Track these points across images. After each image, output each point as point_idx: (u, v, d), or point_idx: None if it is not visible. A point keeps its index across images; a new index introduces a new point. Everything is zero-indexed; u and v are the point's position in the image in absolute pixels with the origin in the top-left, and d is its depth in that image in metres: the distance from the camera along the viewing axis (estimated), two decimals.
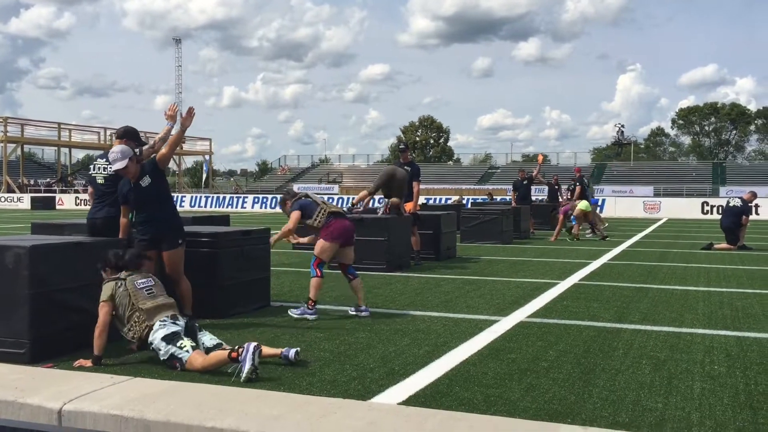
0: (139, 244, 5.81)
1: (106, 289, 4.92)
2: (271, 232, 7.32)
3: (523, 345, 5.49)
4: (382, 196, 10.89)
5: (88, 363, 4.77)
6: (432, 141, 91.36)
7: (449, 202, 29.55)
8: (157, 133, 6.46)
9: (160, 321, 4.82)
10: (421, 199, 19.08)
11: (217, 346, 4.82)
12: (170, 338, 4.71)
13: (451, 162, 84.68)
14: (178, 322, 4.86)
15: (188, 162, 75.48)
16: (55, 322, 5.00)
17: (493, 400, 4.07)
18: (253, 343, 4.48)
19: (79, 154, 68.43)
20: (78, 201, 44.85)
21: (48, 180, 58.52)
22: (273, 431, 3.42)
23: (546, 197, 23.47)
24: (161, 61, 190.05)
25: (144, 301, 4.89)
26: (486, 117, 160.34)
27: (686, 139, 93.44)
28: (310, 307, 6.41)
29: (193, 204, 42.21)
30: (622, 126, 78.49)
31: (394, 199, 10.43)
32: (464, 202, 28.71)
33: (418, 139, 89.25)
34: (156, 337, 4.76)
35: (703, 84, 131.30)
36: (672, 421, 3.73)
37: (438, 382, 4.46)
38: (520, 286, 8.79)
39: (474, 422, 3.54)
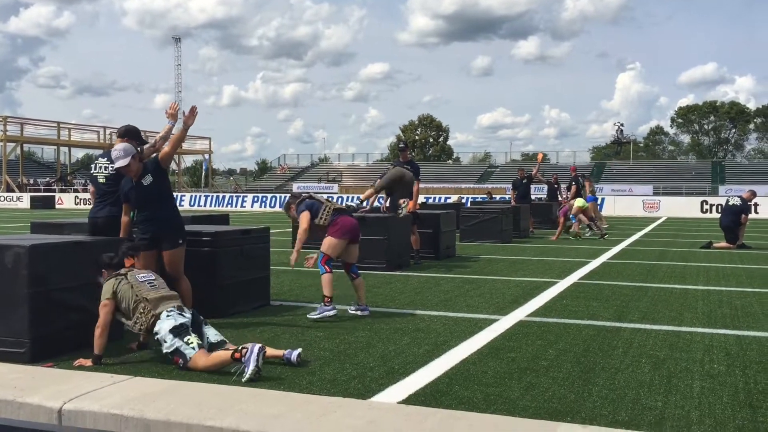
0: (139, 243, 5.82)
1: (107, 287, 4.93)
2: (271, 231, 7.32)
3: (522, 344, 5.50)
4: (382, 195, 10.93)
5: (88, 362, 4.77)
6: (431, 140, 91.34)
7: (448, 201, 29.55)
8: (157, 132, 6.46)
9: (167, 311, 4.79)
10: (421, 198, 19.08)
11: (221, 344, 4.83)
12: (177, 331, 4.68)
13: (450, 161, 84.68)
14: (185, 313, 4.83)
15: (188, 161, 75.52)
16: (55, 321, 5.00)
17: (493, 398, 4.08)
18: (257, 345, 4.47)
19: (78, 154, 68.45)
20: (77, 200, 44.87)
21: (47, 179, 58.51)
22: (273, 430, 3.42)
23: (545, 196, 23.48)
24: (161, 60, 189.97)
25: (148, 291, 4.90)
26: (485, 116, 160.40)
27: (685, 138, 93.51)
28: (326, 304, 6.37)
29: (192, 203, 42.21)
30: (622, 125, 78.55)
31: (411, 203, 10.59)
32: (463, 201, 28.70)
33: (417, 137, 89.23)
34: (163, 327, 4.72)
35: (702, 82, 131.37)
36: (671, 420, 3.73)
37: (438, 381, 4.46)
38: (520, 285, 8.79)
39: (474, 421, 3.55)
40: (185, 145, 61.26)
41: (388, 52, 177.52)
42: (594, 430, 3.45)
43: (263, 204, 41.76)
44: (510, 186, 22.04)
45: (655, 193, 46.98)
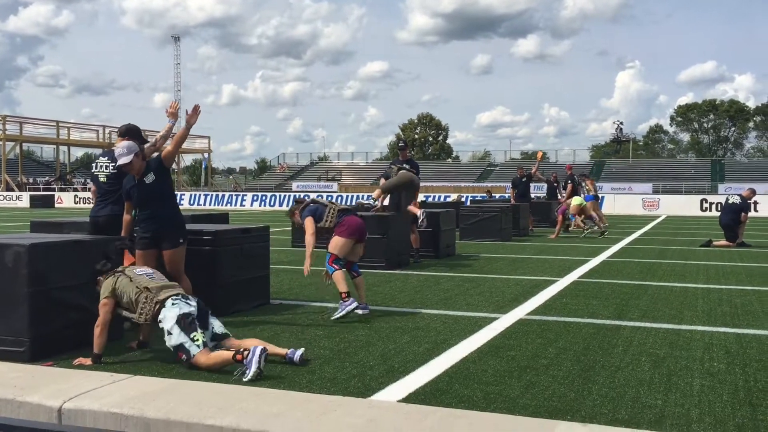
0: (140, 242, 5.82)
1: (106, 286, 4.92)
2: (271, 230, 7.32)
3: (522, 342, 5.50)
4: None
5: (88, 361, 4.76)
6: (431, 138, 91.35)
7: (448, 200, 29.53)
8: (157, 132, 6.46)
9: (173, 299, 4.77)
10: (420, 197, 19.06)
11: (225, 336, 4.83)
12: (183, 323, 4.63)
13: (450, 159, 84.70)
14: (190, 302, 4.80)
15: (187, 160, 75.45)
16: (55, 320, 5.00)
17: (493, 397, 4.07)
18: (259, 347, 4.46)
19: (78, 153, 68.46)
20: (77, 199, 44.88)
21: (47, 178, 58.51)
22: (273, 429, 3.42)
23: (545, 194, 23.48)
24: (160, 59, 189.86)
25: (148, 282, 4.90)
26: (485, 114, 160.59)
27: (685, 136, 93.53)
28: (345, 299, 6.30)
29: (192, 202, 42.20)
30: (621, 123, 78.63)
31: (412, 209, 10.60)
32: (463, 200, 28.69)
33: (416, 136, 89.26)
34: (168, 316, 4.68)
35: (702, 81, 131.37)
36: (671, 418, 3.74)
37: (438, 379, 4.46)
38: (520, 284, 8.79)
39: (474, 419, 3.55)
40: (185, 144, 61.18)
41: (387, 51, 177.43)
42: (594, 429, 3.45)
43: (263, 203, 41.77)
44: (509, 184, 22.03)
45: (655, 192, 47.00)
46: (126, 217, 5.96)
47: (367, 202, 9.98)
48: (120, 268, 5.04)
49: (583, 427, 3.46)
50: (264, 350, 4.45)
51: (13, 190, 49.66)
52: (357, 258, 6.79)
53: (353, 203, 10.33)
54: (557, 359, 4.97)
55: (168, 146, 5.93)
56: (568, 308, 7.06)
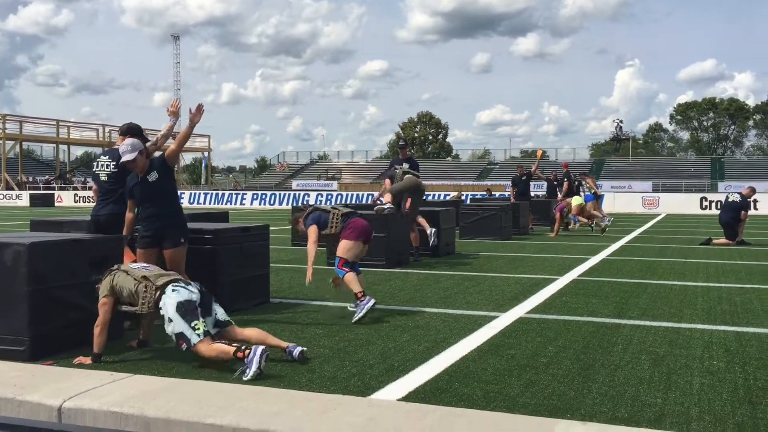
0: (141, 241, 5.82)
1: (104, 285, 4.91)
2: (271, 229, 7.32)
3: (522, 341, 5.50)
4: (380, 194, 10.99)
5: (88, 360, 4.76)
6: (431, 137, 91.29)
7: (447, 198, 29.47)
8: (157, 131, 6.46)
9: (173, 285, 4.77)
10: None
11: (227, 324, 4.84)
12: (184, 309, 4.61)
13: (449, 158, 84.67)
14: (191, 288, 4.79)
15: (187, 159, 75.48)
16: (55, 319, 5.00)
17: (493, 395, 4.08)
18: (261, 347, 4.45)
19: (77, 151, 68.45)
20: (77, 198, 44.88)
21: (47, 177, 58.50)
22: (273, 428, 3.42)
23: (545, 193, 23.47)
24: (160, 58, 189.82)
25: (145, 272, 4.90)
26: (484, 113, 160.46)
27: (685, 135, 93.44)
28: (361, 299, 6.24)
29: (192, 201, 42.19)
30: (621, 121, 78.70)
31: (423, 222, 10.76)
32: (463, 198, 28.64)
33: (416, 135, 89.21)
34: (168, 302, 4.66)
35: (701, 79, 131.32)
36: (671, 416, 3.74)
37: (437, 378, 4.46)
38: (519, 282, 8.79)
39: (473, 418, 3.55)
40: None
41: (387, 50, 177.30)
42: (594, 427, 3.45)
43: (263, 201, 41.76)
44: (509, 183, 22.03)
45: (655, 190, 47.01)
46: (128, 215, 5.95)
47: (382, 206, 9.93)
48: (115, 266, 5.03)
49: (582, 425, 3.46)
50: (265, 350, 4.45)
51: (13, 189, 49.66)
52: (359, 258, 6.79)
53: (370, 202, 10.30)
54: (557, 358, 4.97)
55: (172, 145, 5.92)
56: (568, 307, 7.06)
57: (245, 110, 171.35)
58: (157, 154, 6.14)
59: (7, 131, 53.81)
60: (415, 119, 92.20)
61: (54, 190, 49.83)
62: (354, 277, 6.37)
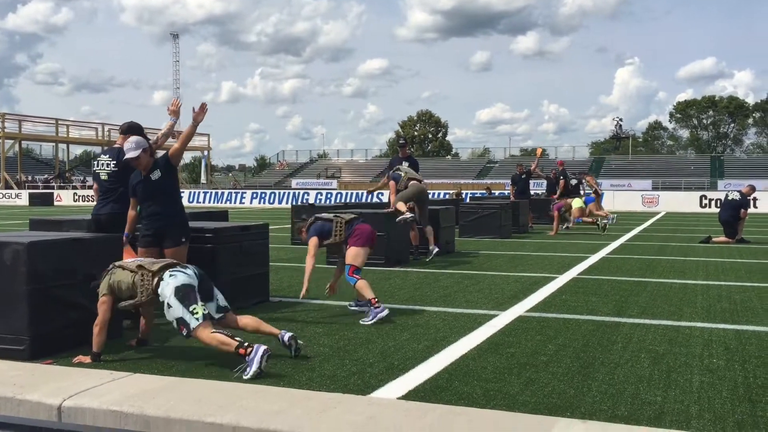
0: (142, 239, 5.82)
1: (103, 284, 4.91)
2: (270, 227, 7.31)
3: (522, 339, 5.50)
4: (382, 192, 10.98)
5: (87, 359, 4.76)
6: (430, 135, 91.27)
7: (447, 196, 29.41)
8: (157, 129, 6.47)
9: (170, 270, 4.76)
10: None
11: (226, 309, 4.86)
12: (182, 294, 4.60)
13: (449, 156, 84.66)
14: (188, 271, 4.78)
15: (186, 158, 75.44)
16: (54, 318, 5.00)
17: (493, 394, 4.08)
18: (263, 347, 4.44)
19: (77, 150, 68.44)
20: (76, 197, 44.87)
21: (46, 176, 58.47)
22: (273, 426, 3.42)
23: (544, 191, 23.47)
24: (159, 57, 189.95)
25: (139, 262, 4.91)
26: (484, 111, 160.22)
27: (684, 133, 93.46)
28: (375, 306, 6.18)
29: (191, 200, 42.19)
30: (620, 120, 78.61)
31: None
32: (462, 196, 28.60)
33: (416, 133, 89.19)
34: (166, 288, 4.66)
35: (701, 77, 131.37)
36: (671, 414, 3.74)
37: (437, 376, 4.46)
38: (519, 281, 8.79)
39: (473, 416, 3.55)
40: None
41: (386, 48, 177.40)
42: (593, 425, 3.45)
43: (262, 200, 41.76)
44: (509, 181, 22.03)
45: (654, 188, 47.01)
46: (131, 213, 5.95)
47: (405, 217, 9.97)
48: (111, 265, 5.01)
49: (582, 423, 3.46)
50: (267, 351, 4.44)
51: (12, 188, 49.65)
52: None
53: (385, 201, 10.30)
54: (557, 356, 4.97)
55: (175, 144, 5.92)
56: (568, 305, 7.07)
57: (245, 109, 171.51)
58: (159, 153, 6.13)
59: (6, 130, 53.77)
60: (415, 118, 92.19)
61: (53, 189, 49.82)
62: (366, 284, 6.32)
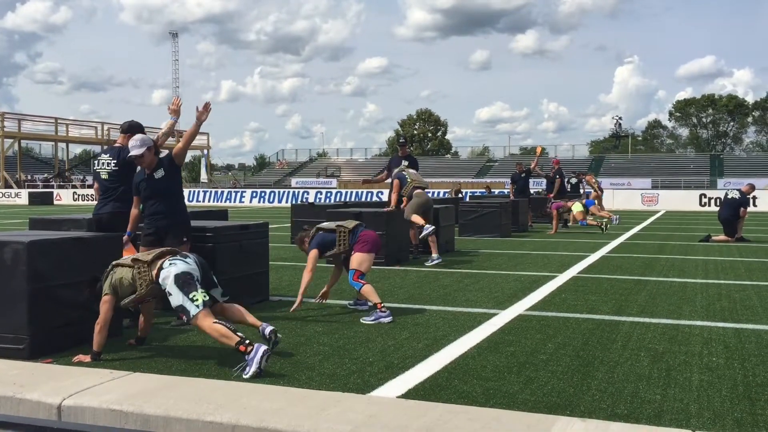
0: (144, 238, 5.82)
1: (106, 284, 4.91)
2: (270, 226, 7.31)
3: (521, 338, 5.50)
4: (382, 191, 10.94)
5: (87, 358, 4.76)
6: (430, 134, 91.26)
7: (446, 195, 29.39)
8: (156, 128, 6.48)
9: (170, 258, 4.77)
10: None
11: (223, 295, 4.90)
12: (182, 282, 4.61)
13: (449, 155, 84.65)
14: (188, 260, 4.79)
15: (186, 157, 75.25)
16: (54, 317, 5.00)
17: (492, 393, 4.08)
18: (263, 347, 4.43)
19: (76, 149, 68.37)
20: (76, 196, 44.86)
21: (45, 175, 58.45)
22: (272, 425, 3.42)
23: (545, 190, 23.45)
24: (158, 56, 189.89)
25: (134, 256, 4.92)
26: (484, 110, 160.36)
27: (684, 131, 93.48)
28: (381, 310, 6.16)
29: (191, 198, 42.17)
30: (620, 118, 78.60)
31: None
32: (461, 195, 28.60)
33: (416, 132, 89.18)
34: (166, 276, 4.66)
35: (700, 76, 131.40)
36: (670, 413, 3.74)
37: (437, 375, 4.46)
38: (519, 280, 8.79)
39: (473, 415, 3.55)
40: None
41: (386, 47, 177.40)
42: (593, 424, 3.45)
43: (262, 199, 41.75)
44: (509, 180, 22.02)
45: (654, 187, 47.00)
46: (133, 211, 5.96)
47: (428, 233, 10.01)
48: (110, 265, 5.00)
49: (582, 422, 3.47)
50: (267, 351, 4.43)
51: (11, 188, 49.62)
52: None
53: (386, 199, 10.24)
54: (556, 355, 4.97)
55: (179, 143, 5.93)
56: (567, 304, 7.07)
57: (244, 108, 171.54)
58: (167, 152, 6.14)
59: (5, 129, 53.72)
60: (415, 116, 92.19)
61: (53, 188, 49.80)
62: (371, 288, 6.28)
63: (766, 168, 55.75)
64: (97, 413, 3.72)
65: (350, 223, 6.59)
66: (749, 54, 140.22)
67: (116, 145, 6.52)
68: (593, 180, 23.91)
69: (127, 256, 5.05)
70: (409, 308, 6.78)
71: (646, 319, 6.24)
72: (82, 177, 58.28)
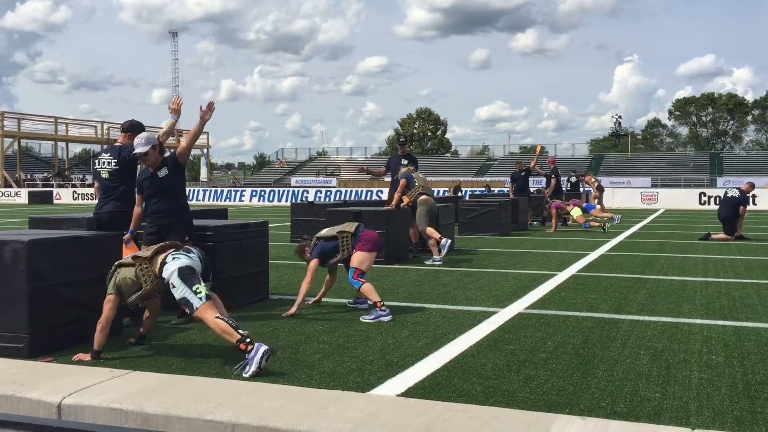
0: (146, 237, 5.82)
1: (110, 285, 4.90)
2: (270, 225, 7.31)
3: (521, 336, 5.50)
4: (382, 190, 10.93)
5: (87, 357, 4.76)
6: (430, 133, 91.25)
7: (446, 194, 29.34)
8: (156, 127, 6.48)
9: (173, 253, 4.79)
10: None
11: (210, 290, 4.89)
12: (185, 275, 4.64)
13: (448, 154, 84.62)
14: (191, 255, 4.82)
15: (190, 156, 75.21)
16: (54, 316, 5.00)
17: (492, 391, 4.08)
18: (264, 346, 4.43)
19: (76, 149, 68.31)
20: (75, 195, 44.85)
21: (45, 174, 58.43)
22: (272, 424, 3.43)
23: (545, 188, 23.45)
24: (158, 55, 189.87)
25: (134, 255, 4.92)
26: (483, 109, 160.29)
27: (684, 130, 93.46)
28: (381, 308, 6.15)
29: (191, 198, 42.11)
30: (620, 117, 78.49)
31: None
32: (461, 194, 28.56)
33: (415, 131, 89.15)
34: (171, 269, 4.69)
35: (700, 74, 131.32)
36: (670, 411, 3.74)
37: (437, 373, 4.47)
38: (519, 278, 8.80)
39: (473, 413, 3.55)
40: (183, 140, 61.23)
41: (385, 46, 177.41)
42: (592, 422, 3.46)
43: (261, 198, 41.76)
44: (508, 179, 22.01)
45: (654, 185, 47.01)
46: (136, 209, 5.96)
47: (447, 246, 9.99)
48: (113, 266, 5.00)
49: (581, 420, 3.47)
50: (267, 351, 4.42)
51: (11, 187, 49.61)
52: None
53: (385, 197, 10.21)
54: (556, 353, 4.98)
55: (183, 143, 5.93)
56: (567, 302, 7.07)
57: (244, 107, 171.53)
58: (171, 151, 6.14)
59: (5, 128, 53.66)
60: (414, 115, 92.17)
61: (53, 187, 49.79)
62: (371, 287, 6.27)
63: (765, 166, 55.75)
64: (97, 412, 3.72)
65: (351, 227, 6.55)
66: (749, 53, 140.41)
67: (117, 144, 6.52)
68: (592, 180, 23.92)
69: (129, 255, 5.05)
70: (409, 307, 6.78)
71: (646, 318, 6.25)
72: (81, 176, 58.24)
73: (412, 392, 4.07)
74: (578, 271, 9.44)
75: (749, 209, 15.81)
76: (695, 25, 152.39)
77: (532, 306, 6.86)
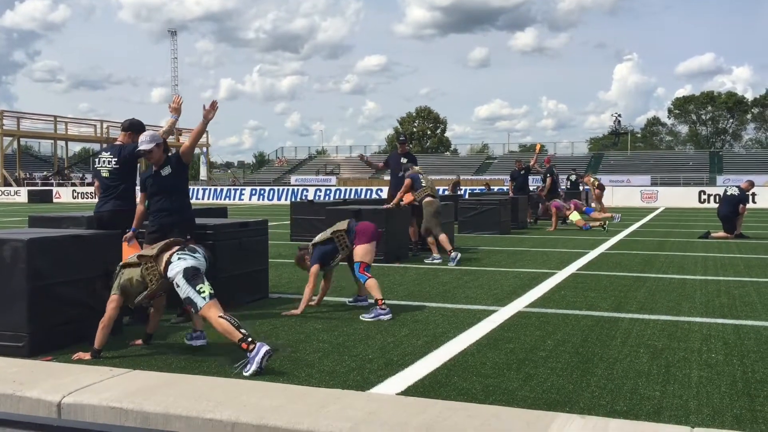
0: (148, 236, 5.82)
1: (115, 285, 4.89)
2: (269, 224, 7.30)
3: (521, 335, 5.51)
4: (381, 188, 10.93)
5: (87, 356, 4.76)
6: (429, 132, 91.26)
7: (446, 192, 29.27)
8: (156, 126, 6.48)
9: (178, 253, 4.80)
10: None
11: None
12: (190, 275, 4.66)
13: (448, 152, 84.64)
14: (196, 254, 4.83)
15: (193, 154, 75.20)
16: (54, 315, 5.00)
17: (492, 389, 4.08)
18: (265, 347, 4.43)
19: (75, 147, 68.26)
20: (75, 194, 44.84)
21: (45, 173, 58.41)
22: (272, 422, 3.43)
23: (543, 186, 23.44)
24: (157, 54, 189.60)
25: (139, 254, 4.92)
26: (483, 107, 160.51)
27: (683, 128, 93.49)
28: (381, 307, 6.14)
29: (190, 196, 42.06)
30: (619, 115, 78.50)
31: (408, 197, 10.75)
32: (461, 191, 28.53)
33: (415, 129, 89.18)
34: (175, 270, 4.69)
35: (700, 73, 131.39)
36: (670, 409, 3.74)
37: (436, 372, 4.47)
38: (518, 276, 8.80)
39: (473, 411, 3.55)
40: (182, 139, 61.20)
41: (385, 45, 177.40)
42: (592, 420, 3.46)
43: (261, 197, 41.75)
44: (508, 177, 22.00)
45: (653, 184, 47.03)
46: (139, 207, 5.96)
47: (456, 257, 9.98)
48: (118, 266, 5.00)
49: (581, 418, 3.47)
50: (268, 351, 4.43)
51: (11, 186, 49.60)
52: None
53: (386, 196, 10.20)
54: (556, 351, 4.98)
55: (186, 141, 5.93)
56: (567, 300, 7.07)
57: (243, 106, 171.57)
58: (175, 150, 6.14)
59: (4, 127, 53.63)
60: (414, 114, 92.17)
61: (52, 186, 49.78)
62: (376, 283, 6.26)
63: (765, 165, 55.76)
64: (97, 411, 3.72)
65: (343, 224, 6.54)
66: (748, 51, 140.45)
67: (117, 143, 6.51)
68: (591, 180, 23.90)
69: (133, 255, 5.04)
70: (409, 305, 6.78)
71: (646, 316, 6.25)
72: (81, 175, 58.23)
73: (411, 391, 4.07)
74: (578, 270, 9.45)
75: (749, 207, 15.80)
76: (695, 24, 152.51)
77: (532, 304, 6.86)
